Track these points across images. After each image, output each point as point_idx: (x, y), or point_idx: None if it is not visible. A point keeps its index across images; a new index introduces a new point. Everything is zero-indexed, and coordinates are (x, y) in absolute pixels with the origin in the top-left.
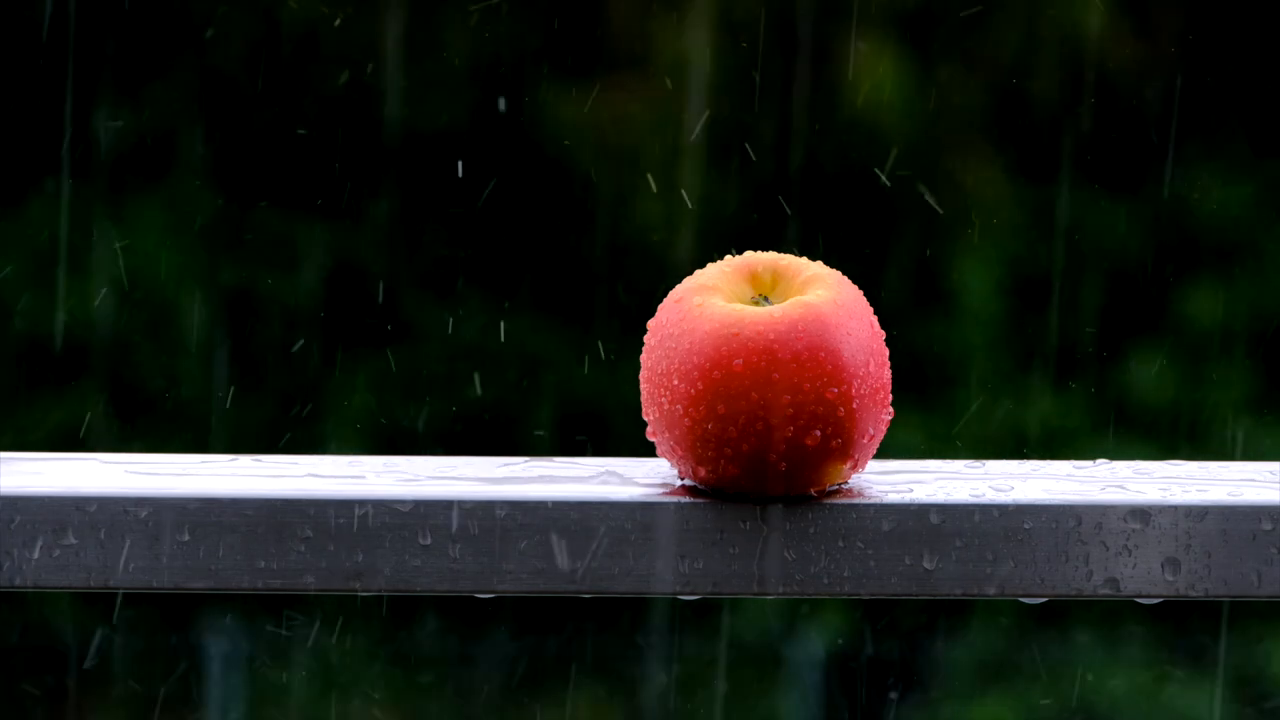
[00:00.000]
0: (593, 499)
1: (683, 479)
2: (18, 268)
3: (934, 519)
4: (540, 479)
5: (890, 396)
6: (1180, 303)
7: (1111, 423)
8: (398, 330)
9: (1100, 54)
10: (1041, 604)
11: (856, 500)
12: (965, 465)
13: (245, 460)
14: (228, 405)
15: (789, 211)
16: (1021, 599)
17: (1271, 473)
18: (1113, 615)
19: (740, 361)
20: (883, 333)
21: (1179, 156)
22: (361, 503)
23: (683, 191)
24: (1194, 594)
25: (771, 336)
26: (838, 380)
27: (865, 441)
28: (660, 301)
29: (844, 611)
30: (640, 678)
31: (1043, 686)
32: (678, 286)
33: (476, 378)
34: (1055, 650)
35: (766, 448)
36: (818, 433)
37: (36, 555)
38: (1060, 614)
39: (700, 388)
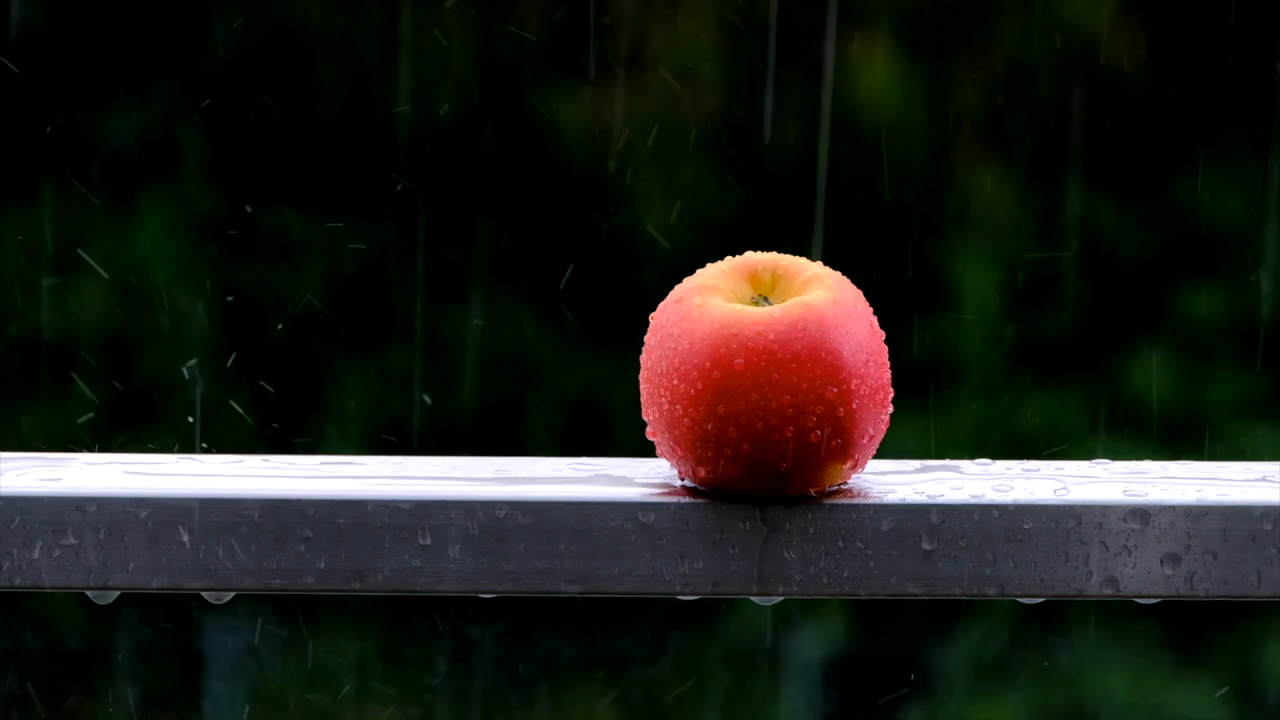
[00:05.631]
0: (593, 499)
1: (683, 479)
2: (18, 267)
3: (934, 519)
4: (540, 479)
5: (891, 396)
6: (1180, 302)
7: (1111, 423)
8: (398, 330)
9: (1101, 53)
10: (1041, 604)
11: (856, 500)
12: (965, 465)
13: (246, 460)
14: (227, 405)
15: (788, 211)
16: (1021, 599)
17: (1271, 473)
18: (1112, 615)
19: (740, 362)
20: (883, 333)
21: (1179, 156)
22: (361, 503)
23: (683, 191)
24: (1194, 594)
25: (771, 337)
26: (837, 380)
27: (865, 441)
28: (660, 301)
29: (844, 611)
30: (640, 678)
31: (1043, 686)
32: (678, 286)
33: (477, 377)
34: (1055, 650)
35: (766, 448)
36: (818, 433)
37: (36, 555)
38: (1060, 614)
39: (700, 388)
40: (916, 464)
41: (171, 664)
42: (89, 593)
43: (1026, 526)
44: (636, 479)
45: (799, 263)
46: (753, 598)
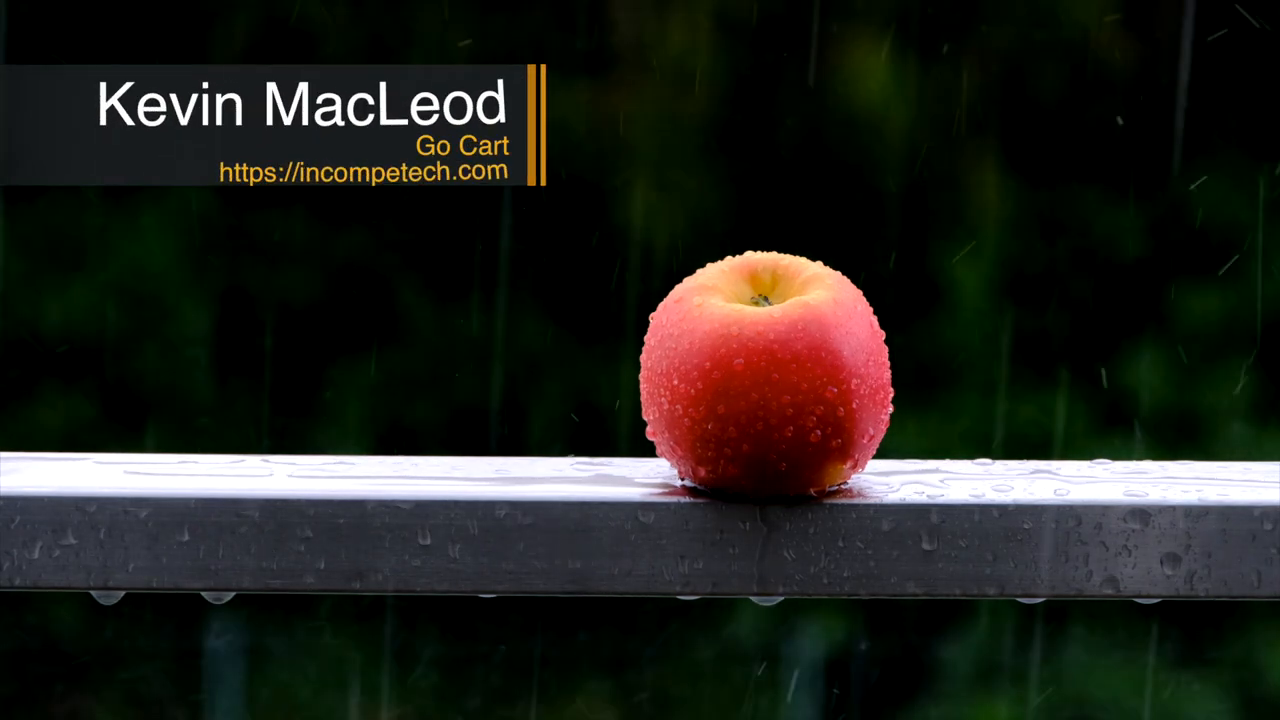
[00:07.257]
0: (593, 499)
1: (683, 479)
2: (16, 266)
3: (934, 519)
4: (540, 479)
5: (891, 396)
6: (1180, 302)
7: (1111, 423)
8: (397, 330)
9: (1100, 52)
10: (1041, 604)
11: (856, 500)
12: (965, 465)
13: (245, 460)
14: (227, 405)
15: (788, 211)
16: (1021, 599)
17: (1271, 473)
18: (1112, 615)
19: (740, 361)
20: (882, 333)
21: (1179, 156)
22: (361, 503)
23: (682, 191)
24: (1194, 594)
25: (771, 336)
26: (837, 380)
27: (865, 441)
28: (660, 301)
29: (844, 611)
30: (639, 678)
31: (1043, 686)
32: (678, 286)
33: (476, 378)
34: (1055, 650)
35: (766, 448)
36: (818, 433)
37: (36, 555)
38: (1060, 614)
39: (700, 388)
40: (916, 464)
41: (172, 664)
42: (93, 592)
43: (1026, 526)
44: (636, 479)
45: (799, 262)
46: (753, 598)
